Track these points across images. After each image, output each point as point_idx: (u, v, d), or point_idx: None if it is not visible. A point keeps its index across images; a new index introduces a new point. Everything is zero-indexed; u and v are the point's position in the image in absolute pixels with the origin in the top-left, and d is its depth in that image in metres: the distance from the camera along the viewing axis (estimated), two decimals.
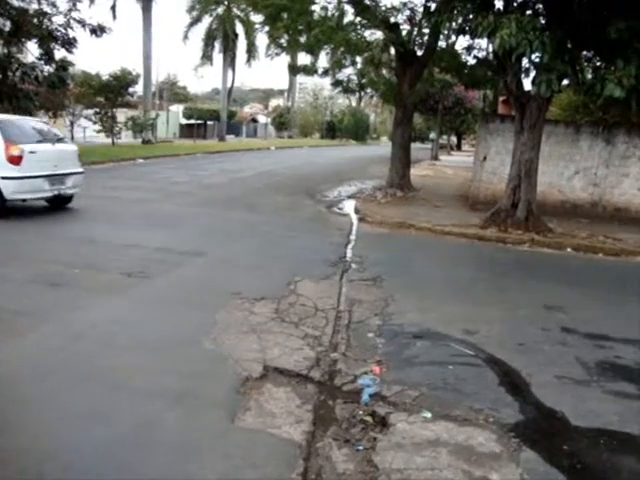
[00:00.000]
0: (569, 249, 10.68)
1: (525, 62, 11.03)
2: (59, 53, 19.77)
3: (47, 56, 19.30)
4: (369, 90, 23.21)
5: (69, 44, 19.39)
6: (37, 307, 5.60)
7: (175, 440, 3.53)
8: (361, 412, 4.10)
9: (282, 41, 16.77)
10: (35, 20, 18.76)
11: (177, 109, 55.09)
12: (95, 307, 5.72)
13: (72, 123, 26.85)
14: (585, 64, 10.71)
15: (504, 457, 3.55)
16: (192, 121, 50.70)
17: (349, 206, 14.57)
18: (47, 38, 18.92)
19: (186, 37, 43.49)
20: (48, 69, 19.42)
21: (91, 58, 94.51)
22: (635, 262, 10.19)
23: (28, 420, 3.65)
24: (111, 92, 29.59)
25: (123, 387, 4.13)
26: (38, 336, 4.93)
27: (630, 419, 4.18)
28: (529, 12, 10.81)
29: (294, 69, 19.13)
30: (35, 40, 19.21)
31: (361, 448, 3.67)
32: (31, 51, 20.29)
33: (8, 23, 18.20)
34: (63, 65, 19.71)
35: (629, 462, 3.66)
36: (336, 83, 20.57)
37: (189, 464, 3.28)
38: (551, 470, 3.46)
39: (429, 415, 4.02)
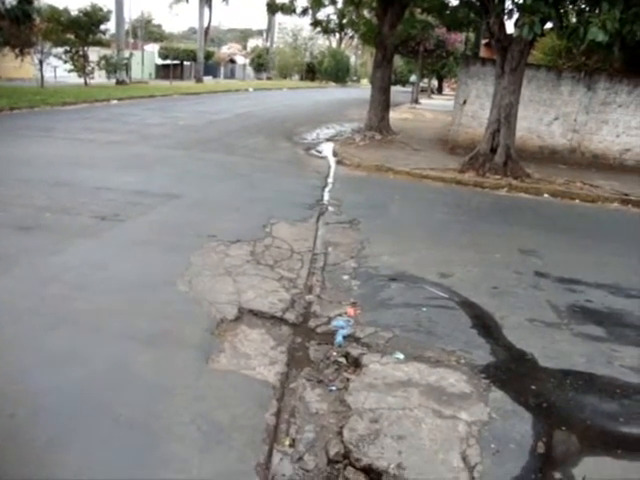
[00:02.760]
0: (546, 195, 10.75)
1: (508, 3, 10.83)
2: None
3: None
4: (349, 31, 22.58)
5: None
6: (8, 251, 5.48)
7: (149, 381, 3.53)
8: (335, 353, 4.15)
9: None
10: None
11: (152, 49, 53.41)
12: (68, 251, 5.63)
13: (41, 62, 25.74)
14: (569, 7, 10.51)
15: (474, 397, 3.62)
16: (168, 61, 49.24)
17: (327, 149, 14.44)
18: None
19: None
20: (10, 1, 18.45)
21: None
22: (610, 209, 10.30)
23: (1, 362, 3.62)
24: (81, 29, 28.35)
25: (97, 329, 4.11)
26: (10, 280, 4.85)
27: (596, 360, 4.29)
28: None
29: (272, 8, 18.44)
30: None
31: (334, 388, 3.72)
32: None
33: None
34: None
35: (592, 400, 3.77)
36: (315, 23, 19.93)
37: (163, 404, 3.30)
38: (518, 409, 3.55)
39: (401, 356, 4.07)
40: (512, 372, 4.04)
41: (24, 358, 3.68)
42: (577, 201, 10.57)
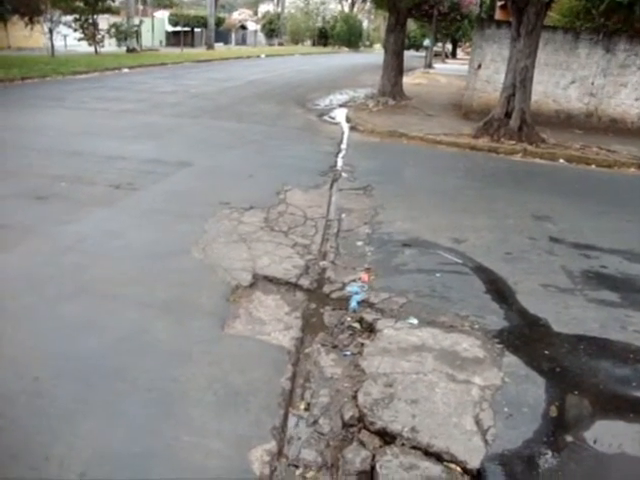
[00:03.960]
0: (561, 160, 10.62)
1: None
2: None
3: None
4: None
5: None
6: (24, 221, 5.53)
7: (166, 347, 3.59)
8: (349, 319, 4.18)
9: None
10: None
11: (162, 15, 52.73)
12: (83, 220, 5.67)
13: (51, 30, 25.45)
14: None
15: (487, 362, 3.64)
16: (178, 28, 48.60)
17: (340, 115, 14.33)
18: None
19: None
20: None
21: None
22: (627, 174, 10.17)
23: (20, 331, 3.68)
24: None
25: (113, 297, 4.16)
26: (26, 249, 4.90)
27: (610, 326, 4.28)
28: None
29: None
30: None
31: (349, 353, 3.76)
32: None
33: None
34: None
35: (606, 365, 3.77)
36: None
37: (180, 369, 3.36)
38: (531, 373, 3.57)
39: (415, 321, 4.09)
40: (526, 337, 4.05)
41: (43, 325, 3.74)
42: (593, 166, 10.43)
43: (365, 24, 68.23)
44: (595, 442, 2.99)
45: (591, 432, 3.08)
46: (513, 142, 11.08)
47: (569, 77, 14.02)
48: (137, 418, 2.95)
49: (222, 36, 53.85)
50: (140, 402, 3.07)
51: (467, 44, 47.36)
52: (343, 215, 6.42)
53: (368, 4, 38.32)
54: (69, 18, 27.58)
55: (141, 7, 46.50)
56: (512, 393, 3.34)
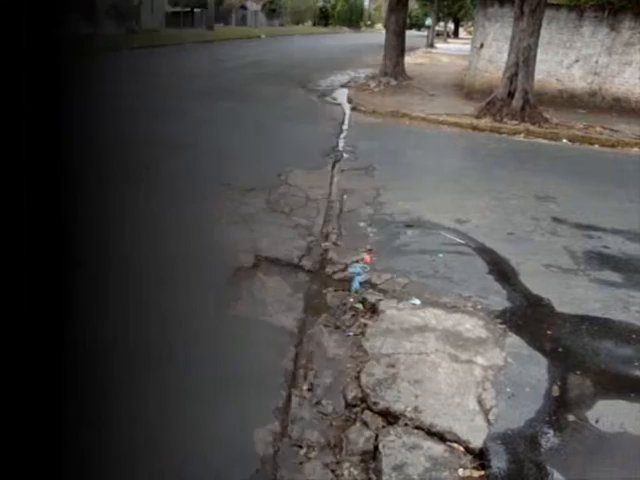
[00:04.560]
0: (565, 140, 10.56)
1: None
2: None
3: None
4: None
5: None
6: None
7: (167, 328, 3.57)
8: (351, 299, 4.17)
9: None
10: None
11: None
12: None
13: None
14: None
15: (490, 342, 3.64)
16: (178, 9, 48.22)
17: (342, 95, 14.26)
18: None
19: None
20: None
21: None
22: (631, 154, 10.11)
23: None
24: None
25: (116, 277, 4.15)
26: None
27: (612, 306, 4.27)
28: None
29: None
30: None
31: (351, 334, 3.75)
32: None
33: None
34: None
35: (608, 345, 3.77)
36: None
37: (181, 351, 3.34)
38: (534, 353, 3.56)
39: (418, 302, 4.09)
40: (528, 317, 4.05)
41: None
42: (596, 146, 10.37)
43: (366, 3, 67.67)
44: (597, 421, 2.99)
45: (593, 412, 3.07)
46: (516, 122, 11.01)
47: (573, 56, 13.89)
48: (137, 401, 2.95)
49: (222, 17, 53.36)
50: (142, 383, 3.06)
51: (469, 23, 46.97)
52: (345, 196, 6.40)
53: None
54: None
55: None
56: (515, 373, 3.33)
